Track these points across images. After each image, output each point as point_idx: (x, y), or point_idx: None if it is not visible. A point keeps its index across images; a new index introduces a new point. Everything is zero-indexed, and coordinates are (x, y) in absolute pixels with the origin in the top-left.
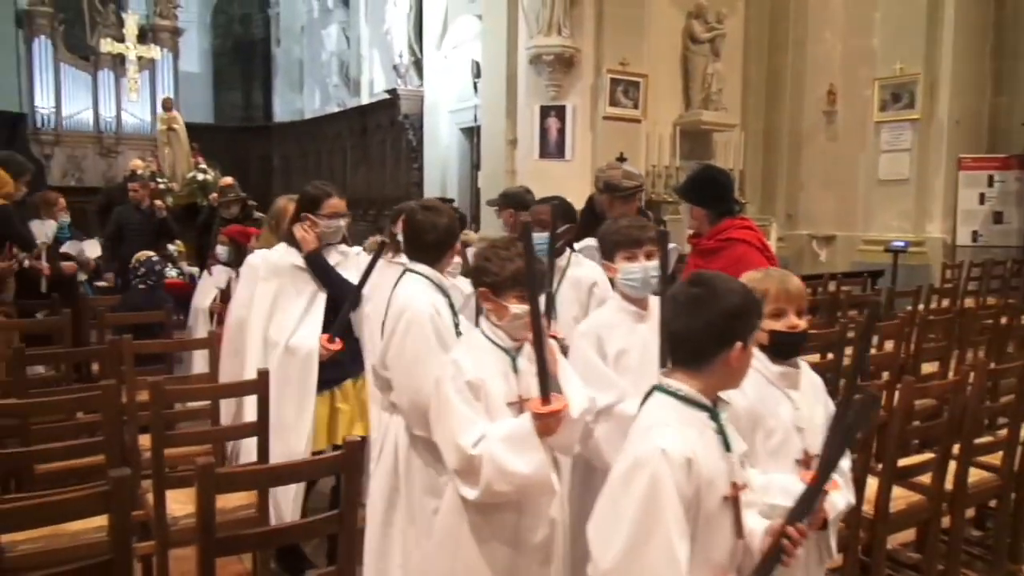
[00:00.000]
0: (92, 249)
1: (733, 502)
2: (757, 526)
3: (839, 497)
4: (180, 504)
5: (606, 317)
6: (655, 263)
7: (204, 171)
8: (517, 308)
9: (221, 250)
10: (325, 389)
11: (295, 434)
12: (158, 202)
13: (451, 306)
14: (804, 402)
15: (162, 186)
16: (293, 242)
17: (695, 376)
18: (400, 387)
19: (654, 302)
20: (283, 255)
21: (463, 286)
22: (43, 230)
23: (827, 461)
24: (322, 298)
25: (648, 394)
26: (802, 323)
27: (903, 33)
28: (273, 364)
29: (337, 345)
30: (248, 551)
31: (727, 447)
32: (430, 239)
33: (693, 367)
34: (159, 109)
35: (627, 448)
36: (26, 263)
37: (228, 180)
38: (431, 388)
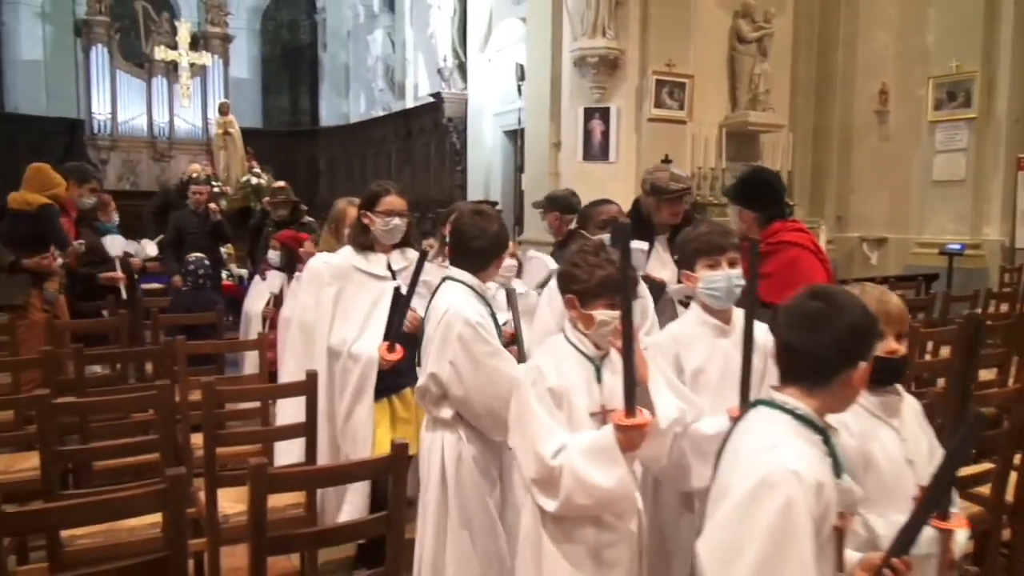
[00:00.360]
0: (149, 249)
1: (838, 533)
2: (852, 558)
3: (963, 535)
4: (230, 502)
5: (685, 330)
6: (738, 271)
7: (258, 175)
8: (604, 316)
9: (273, 255)
10: (383, 397)
11: (358, 443)
12: (212, 205)
13: (493, 316)
14: (908, 432)
15: (216, 189)
16: (356, 245)
17: (811, 395)
18: (472, 399)
19: (737, 315)
20: (345, 259)
21: (548, 262)
22: (115, 245)
23: (937, 488)
24: (386, 303)
25: (748, 407)
26: (902, 348)
27: (959, 30)
28: (337, 372)
29: (396, 355)
30: (298, 551)
31: (837, 474)
32: (476, 245)
33: (810, 385)
34: (211, 114)
35: (742, 465)
36: (59, 261)
37: (281, 183)
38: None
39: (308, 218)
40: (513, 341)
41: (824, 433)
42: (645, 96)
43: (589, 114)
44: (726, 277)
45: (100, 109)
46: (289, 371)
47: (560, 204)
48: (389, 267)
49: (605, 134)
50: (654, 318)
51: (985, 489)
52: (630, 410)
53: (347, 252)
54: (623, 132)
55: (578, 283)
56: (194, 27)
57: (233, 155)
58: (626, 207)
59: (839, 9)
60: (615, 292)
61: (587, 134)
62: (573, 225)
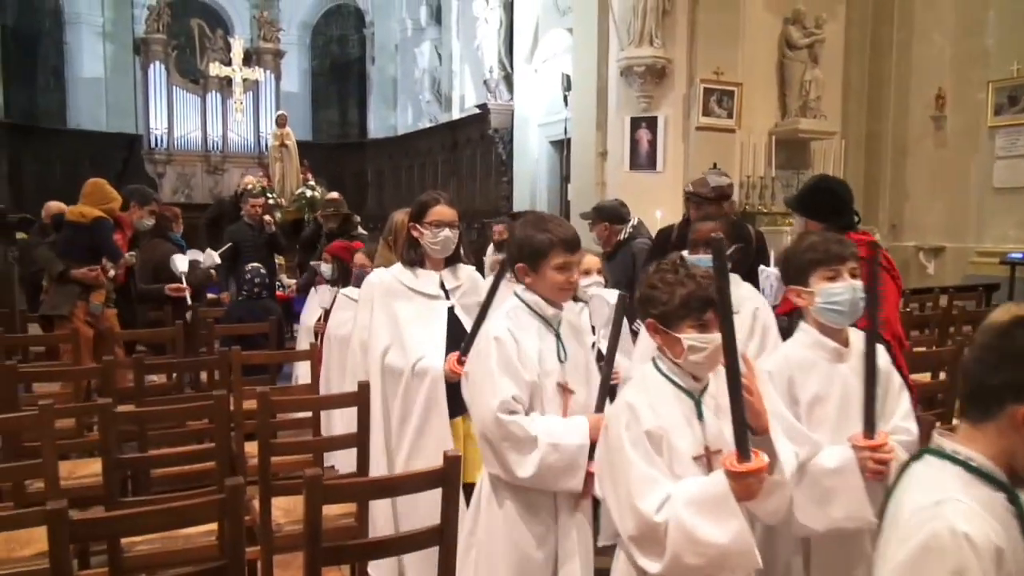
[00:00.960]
0: (180, 264)
1: None
2: None
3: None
4: (282, 511)
5: (799, 354)
6: (860, 283)
7: (312, 187)
8: (694, 340)
9: (325, 268)
10: (455, 416)
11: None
12: (267, 217)
13: (558, 338)
14: None
15: (271, 202)
16: (405, 260)
17: (979, 432)
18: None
19: (855, 337)
20: (394, 275)
21: (610, 297)
22: (181, 262)
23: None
24: (441, 323)
25: (914, 458)
26: None
27: (1020, 32)
28: (399, 391)
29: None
30: (350, 562)
31: None
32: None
33: (974, 420)
34: (263, 127)
35: (901, 528)
36: (111, 274)
37: (334, 195)
38: (483, 413)
39: (361, 231)
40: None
41: (1008, 489)
42: (693, 104)
43: (636, 123)
44: (850, 289)
45: (157, 124)
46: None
47: (609, 214)
48: (442, 286)
49: (652, 143)
50: (776, 339)
51: None
52: (743, 453)
53: (397, 268)
54: (670, 141)
55: (658, 305)
56: (247, 43)
57: (289, 167)
58: (673, 217)
59: (893, 13)
60: (702, 310)
61: (634, 143)
62: (623, 236)
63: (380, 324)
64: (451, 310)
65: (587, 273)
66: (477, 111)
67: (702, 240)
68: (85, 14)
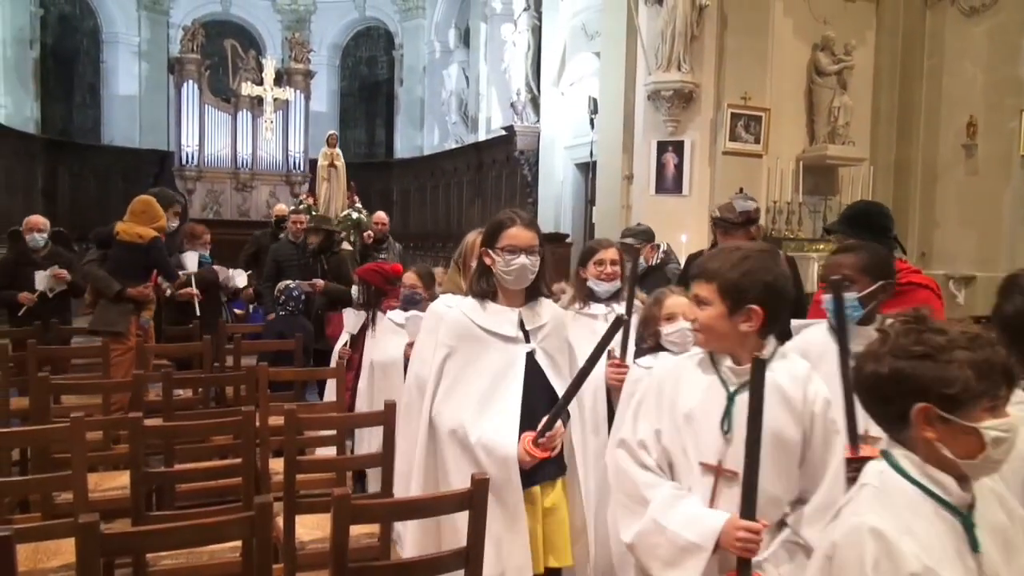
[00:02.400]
0: (239, 279)
1: None
2: None
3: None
4: (306, 529)
5: None
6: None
7: (359, 210)
8: (996, 428)
9: (354, 291)
10: (535, 484)
11: (509, 553)
12: (312, 237)
13: (730, 399)
14: None
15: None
16: (476, 293)
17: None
18: None
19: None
20: (464, 312)
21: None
22: (188, 261)
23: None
24: (517, 373)
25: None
26: None
27: None
28: (460, 461)
29: (545, 452)
30: None
31: None
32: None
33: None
34: (292, 146)
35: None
36: (167, 293)
37: (381, 215)
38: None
39: (395, 243)
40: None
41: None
42: (720, 129)
43: (662, 147)
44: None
45: (188, 142)
46: (404, 439)
47: (641, 236)
48: (521, 326)
49: (679, 167)
50: None
51: None
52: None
53: (469, 304)
54: (697, 165)
55: (942, 384)
56: (278, 63)
57: (336, 188)
58: (699, 241)
59: (923, 41)
60: (999, 384)
61: (660, 167)
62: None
63: (440, 370)
64: (530, 355)
65: (670, 319)
66: (503, 133)
67: (833, 276)
68: (122, 34)
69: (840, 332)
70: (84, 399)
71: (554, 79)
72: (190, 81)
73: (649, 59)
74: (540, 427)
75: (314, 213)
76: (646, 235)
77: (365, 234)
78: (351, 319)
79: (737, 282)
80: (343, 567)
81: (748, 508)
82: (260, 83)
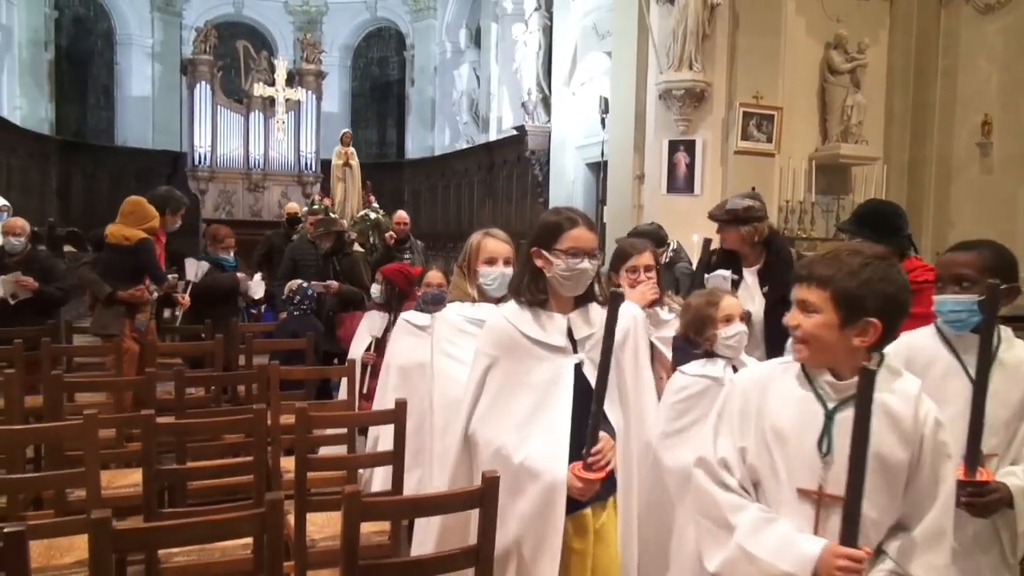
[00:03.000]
0: (257, 289)
1: None
2: None
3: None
4: (316, 527)
5: None
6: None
7: (376, 209)
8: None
9: (375, 290)
10: (582, 508)
11: None
12: (325, 242)
13: (829, 417)
14: None
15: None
16: (526, 299)
17: None
18: None
19: None
20: (515, 319)
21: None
22: (195, 270)
23: None
24: (565, 386)
25: None
26: None
27: None
28: (502, 487)
29: (597, 475)
30: None
31: None
32: None
33: None
34: (303, 146)
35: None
36: (154, 295)
37: (402, 214)
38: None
39: (417, 240)
40: None
41: None
42: (731, 128)
43: (674, 147)
44: None
45: (201, 142)
46: (453, 475)
47: (648, 238)
48: (570, 334)
49: (690, 167)
50: None
51: None
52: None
53: (511, 310)
54: (708, 165)
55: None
56: (290, 64)
57: (351, 188)
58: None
59: (937, 39)
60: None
61: (671, 167)
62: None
63: (481, 382)
64: (579, 367)
65: (728, 321)
66: (514, 133)
67: (951, 277)
68: (136, 36)
69: (984, 343)
70: (95, 397)
71: (565, 79)
72: (203, 82)
73: (660, 58)
74: (587, 447)
75: (332, 215)
76: (649, 234)
77: (387, 235)
78: (375, 322)
79: (855, 291)
80: (353, 564)
81: (850, 534)
82: (272, 84)
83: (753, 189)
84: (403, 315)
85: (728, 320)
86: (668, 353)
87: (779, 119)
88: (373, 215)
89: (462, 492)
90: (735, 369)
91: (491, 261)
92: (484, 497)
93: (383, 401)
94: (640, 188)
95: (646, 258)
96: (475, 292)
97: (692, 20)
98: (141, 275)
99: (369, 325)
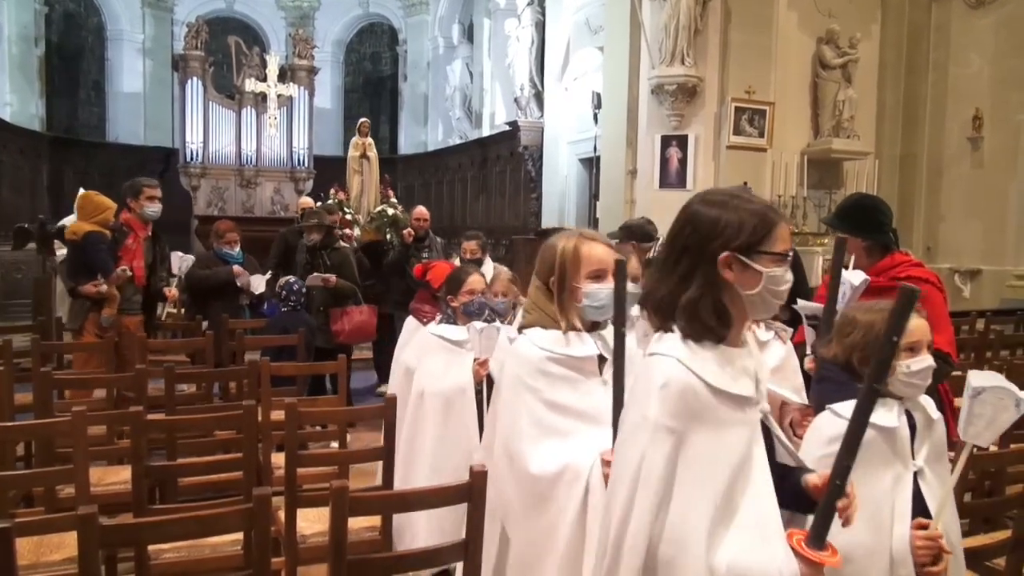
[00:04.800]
0: (258, 284)
1: None
2: None
3: None
4: (307, 523)
5: None
6: None
7: (394, 205)
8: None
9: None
10: None
11: None
12: (347, 231)
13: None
14: None
15: (348, 217)
16: (714, 331)
17: None
18: None
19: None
20: (696, 365)
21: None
22: (179, 263)
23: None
24: (763, 453)
25: None
26: None
27: None
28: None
29: (833, 557)
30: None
31: None
32: None
33: None
34: (296, 142)
35: None
36: (103, 289)
37: (421, 209)
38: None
39: (437, 237)
40: None
41: None
42: (724, 123)
43: (666, 142)
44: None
45: (193, 138)
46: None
47: (637, 234)
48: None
49: (682, 162)
50: None
51: (1000, 561)
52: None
53: (684, 353)
54: (700, 160)
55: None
56: (282, 60)
57: (369, 181)
58: None
59: (928, 34)
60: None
61: (664, 162)
62: (652, 254)
63: (668, 474)
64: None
65: (912, 351)
66: (507, 128)
67: None
68: (127, 31)
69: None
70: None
71: (558, 74)
72: (194, 78)
73: (653, 53)
74: (813, 524)
75: (347, 210)
76: (638, 229)
77: (405, 231)
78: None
79: None
80: (342, 559)
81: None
82: (264, 80)
83: (745, 184)
84: (431, 328)
85: (913, 349)
86: (782, 391)
87: (771, 114)
88: (391, 210)
89: (451, 487)
90: (909, 415)
91: (599, 275)
92: (472, 491)
93: (422, 440)
94: (633, 183)
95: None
96: (570, 317)
97: (684, 15)
98: (93, 270)
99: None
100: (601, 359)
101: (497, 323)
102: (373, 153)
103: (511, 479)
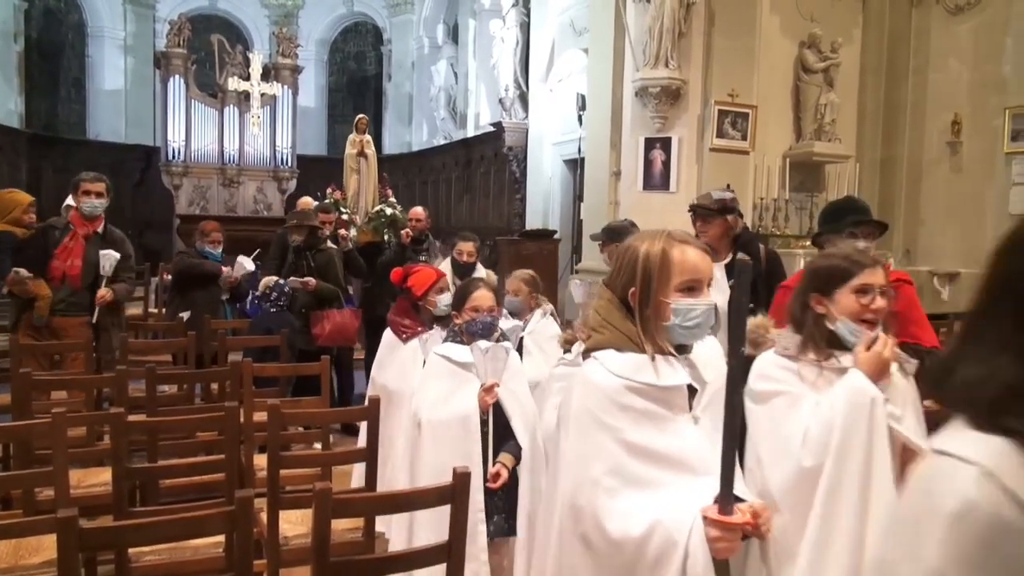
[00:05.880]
0: (247, 265)
1: None
2: None
3: None
4: (290, 524)
5: None
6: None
7: (392, 205)
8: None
9: (448, 299)
10: None
11: None
12: (343, 232)
13: None
14: None
15: (344, 217)
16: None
17: None
18: None
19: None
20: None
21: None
22: (104, 263)
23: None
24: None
25: None
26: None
27: None
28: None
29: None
30: None
31: None
32: None
33: None
34: (279, 141)
35: None
36: (4, 290)
37: (419, 210)
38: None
39: (435, 240)
40: None
41: None
42: (707, 126)
43: (650, 144)
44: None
45: (175, 137)
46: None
47: (620, 236)
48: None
49: (666, 164)
50: None
51: None
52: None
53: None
54: (684, 162)
55: None
56: (265, 59)
57: (366, 180)
58: None
59: (909, 39)
60: None
61: (647, 164)
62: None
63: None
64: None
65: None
66: (492, 129)
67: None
68: (108, 28)
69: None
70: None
71: (542, 75)
72: (176, 76)
73: (637, 56)
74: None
75: (343, 210)
76: (621, 231)
77: (403, 232)
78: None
79: None
80: (325, 561)
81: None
82: (247, 78)
83: (728, 186)
84: (436, 348)
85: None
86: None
87: (754, 117)
88: (389, 210)
89: (434, 488)
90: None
91: (692, 286)
92: (455, 493)
93: (418, 476)
94: (616, 185)
95: (878, 275)
96: (655, 338)
97: (668, 18)
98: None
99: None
100: (691, 390)
101: (506, 343)
102: (371, 151)
103: (580, 544)
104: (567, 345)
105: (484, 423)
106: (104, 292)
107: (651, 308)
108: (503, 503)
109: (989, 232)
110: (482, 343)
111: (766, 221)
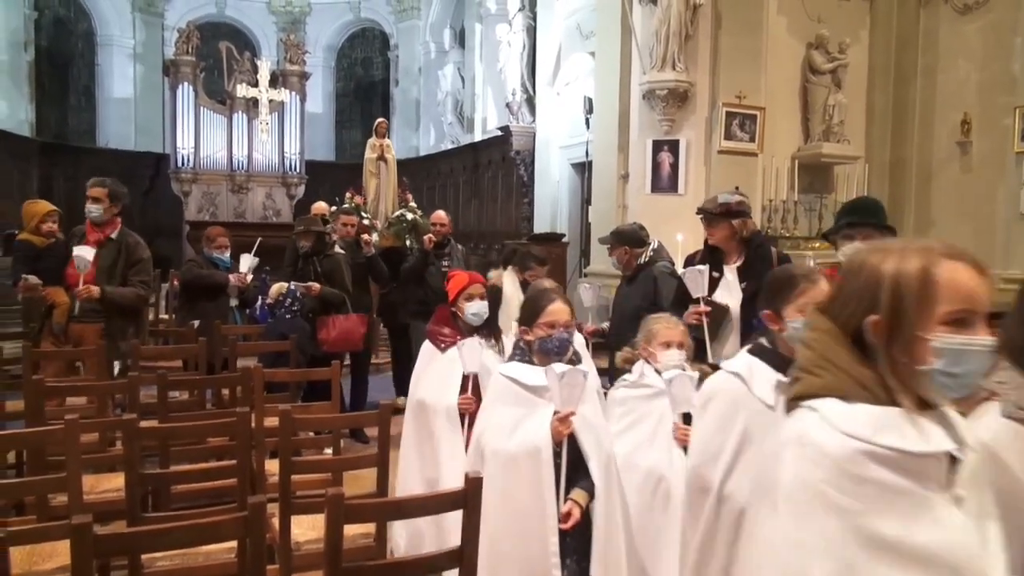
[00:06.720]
0: (246, 263)
1: None
2: None
3: None
4: (301, 530)
5: None
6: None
7: (413, 210)
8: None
9: (477, 307)
10: None
11: None
12: (364, 236)
13: None
14: None
15: (365, 221)
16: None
17: None
18: None
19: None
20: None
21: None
22: (79, 262)
23: None
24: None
25: None
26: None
27: None
28: None
29: None
30: None
31: None
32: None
33: None
34: (287, 147)
35: None
36: (19, 296)
37: (441, 214)
38: None
39: (457, 244)
40: None
41: None
42: (715, 128)
43: (658, 146)
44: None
45: (184, 144)
46: None
47: (629, 239)
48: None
49: (674, 166)
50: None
51: None
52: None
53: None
54: (692, 164)
55: None
56: (273, 65)
57: (386, 184)
58: (695, 240)
59: (917, 39)
60: None
61: (655, 166)
62: (644, 259)
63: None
64: None
65: (667, 345)
66: (499, 133)
67: None
68: (117, 36)
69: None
70: (78, 401)
71: (549, 79)
72: (185, 83)
73: (644, 58)
74: None
75: (364, 215)
76: (629, 234)
77: (426, 237)
78: (471, 352)
79: None
80: (337, 566)
81: None
82: (255, 85)
83: (737, 188)
84: (502, 368)
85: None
86: None
87: (762, 119)
88: (410, 215)
89: (447, 493)
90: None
91: (962, 319)
92: (468, 498)
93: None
94: (624, 188)
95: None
96: (909, 387)
97: (675, 20)
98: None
99: (468, 360)
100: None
101: (584, 366)
102: (391, 155)
103: None
104: (626, 364)
105: (556, 454)
106: (82, 289)
107: (902, 346)
108: (575, 543)
109: (1000, 232)
110: (557, 366)
111: (775, 223)
